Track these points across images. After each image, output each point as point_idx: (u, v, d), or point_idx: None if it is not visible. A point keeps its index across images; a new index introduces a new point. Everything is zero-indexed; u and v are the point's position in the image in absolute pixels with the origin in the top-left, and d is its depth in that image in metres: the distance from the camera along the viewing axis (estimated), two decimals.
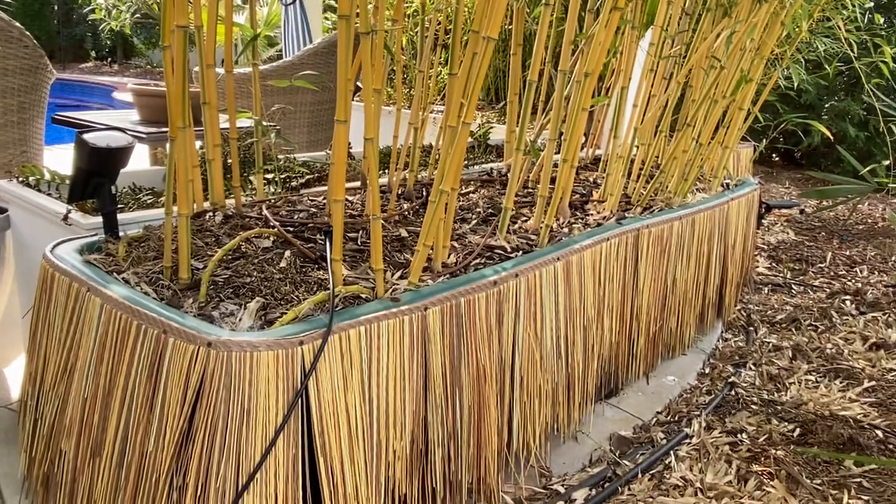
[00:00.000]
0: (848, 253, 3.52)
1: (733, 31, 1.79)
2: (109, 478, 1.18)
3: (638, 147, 2.16)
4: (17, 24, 2.54)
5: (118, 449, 1.17)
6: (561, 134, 1.81)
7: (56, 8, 11.63)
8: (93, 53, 12.19)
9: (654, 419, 1.96)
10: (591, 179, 2.43)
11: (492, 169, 2.42)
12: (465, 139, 1.28)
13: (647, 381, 2.15)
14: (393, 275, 1.43)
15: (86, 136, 1.38)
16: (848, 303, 2.77)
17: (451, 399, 1.41)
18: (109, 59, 12.15)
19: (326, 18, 5.24)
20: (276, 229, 1.50)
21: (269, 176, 1.95)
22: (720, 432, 1.85)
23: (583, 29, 1.76)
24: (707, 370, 2.27)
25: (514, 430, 1.58)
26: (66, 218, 1.58)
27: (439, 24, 2.00)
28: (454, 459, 1.44)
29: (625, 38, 2.01)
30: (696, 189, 2.45)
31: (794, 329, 2.57)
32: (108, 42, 11.97)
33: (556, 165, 1.92)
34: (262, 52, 5.17)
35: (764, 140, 2.93)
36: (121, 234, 1.48)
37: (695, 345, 2.42)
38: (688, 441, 1.82)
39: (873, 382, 2.11)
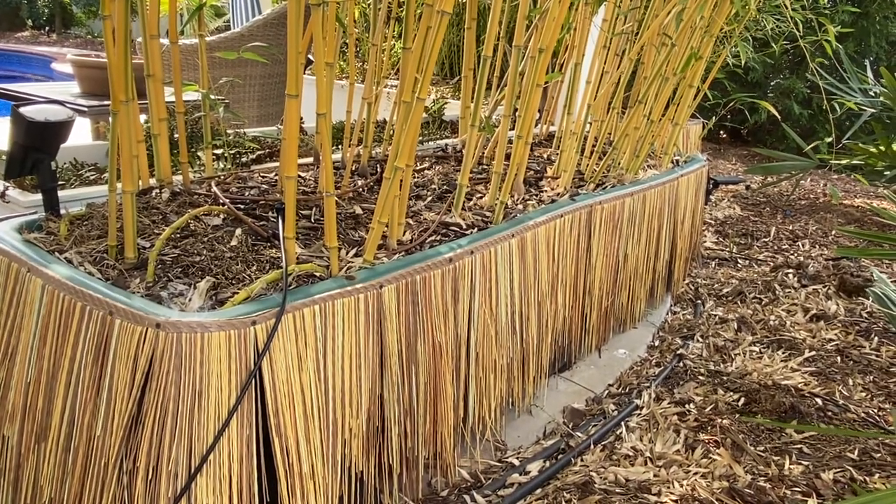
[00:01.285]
0: (791, 228, 3.63)
1: (684, 8, 1.81)
2: (56, 463, 1.15)
3: (591, 124, 2.18)
4: None
5: (64, 434, 1.14)
6: (515, 110, 1.80)
7: None
8: (29, 22, 11.63)
9: (606, 391, 2.00)
10: (545, 156, 2.44)
11: (446, 145, 2.40)
12: (419, 115, 1.26)
13: (600, 354, 2.20)
14: (347, 253, 1.41)
15: (22, 110, 1.31)
16: (791, 276, 2.87)
17: (408, 376, 1.41)
18: (47, 29, 11.62)
19: None
20: (226, 206, 1.46)
21: (219, 152, 1.90)
22: (669, 403, 1.91)
23: (537, 4, 1.76)
24: (657, 343, 2.33)
25: (469, 406, 1.60)
26: (2, 195, 1.51)
27: (389, 6, 1.97)
28: (411, 436, 1.45)
29: (578, 14, 2.01)
30: (647, 165, 2.49)
31: (739, 302, 2.64)
32: (46, 10, 11.44)
33: (510, 142, 1.92)
34: (208, 23, 5.01)
35: (714, 117, 2.99)
36: (62, 211, 1.43)
37: (645, 318, 2.47)
38: (638, 412, 1.86)
39: (814, 353, 2.20)
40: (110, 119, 1.22)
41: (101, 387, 1.09)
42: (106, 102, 2.53)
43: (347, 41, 1.84)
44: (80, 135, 2.53)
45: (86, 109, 2.50)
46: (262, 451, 1.14)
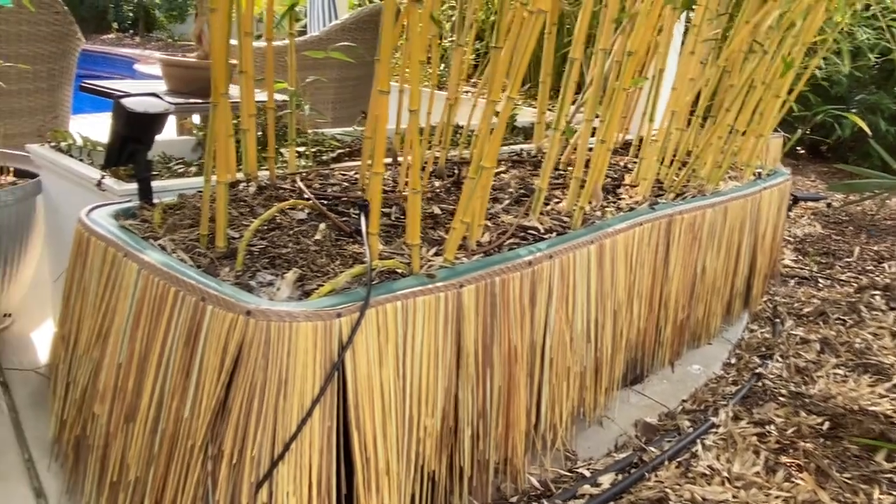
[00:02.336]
0: (876, 248, 3.46)
1: (785, 11, 1.75)
2: (143, 443, 1.18)
3: (672, 132, 2.13)
4: None
5: (153, 415, 1.17)
6: (597, 115, 1.78)
7: None
8: (115, 25, 12.18)
9: (680, 407, 1.94)
10: (621, 164, 2.39)
11: (521, 150, 2.39)
12: (507, 115, 1.25)
13: (673, 369, 2.14)
14: (427, 251, 1.41)
15: (124, 101, 1.37)
16: (877, 298, 2.73)
17: (483, 378, 1.40)
18: (131, 32, 12.14)
19: None
20: (310, 201, 1.48)
21: (301, 149, 1.93)
22: (747, 423, 1.83)
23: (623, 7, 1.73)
24: (733, 360, 2.25)
25: (542, 412, 1.57)
26: (99, 184, 1.57)
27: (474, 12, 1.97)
28: (483, 438, 1.43)
29: (664, 18, 1.97)
30: (728, 177, 2.42)
31: (821, 322, 2.53)
32: (130, 14, 11.96)
33: (590, 148, 1.89)
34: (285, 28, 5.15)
35: (799, 129, 2.88)
36: (155, 200, 1.48)
37: (720, 335, 2.39)
38: (714, 430, 1.80)
39: None
40: (195, 115, 1.26)
41: (190, 370, 1.12)
42: (191, 100, 2.63)
43: (431, 44, 1.84)
44: (168, 130, 2.63)
45: (173, 107, 2.59)
46: (340, 443, 1.15)
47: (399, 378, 1.23)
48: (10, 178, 1.98)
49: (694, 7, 1.97)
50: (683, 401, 1.98)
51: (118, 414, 1.24)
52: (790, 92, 2.54)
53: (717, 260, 2.21)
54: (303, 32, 5.57)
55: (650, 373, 2.08)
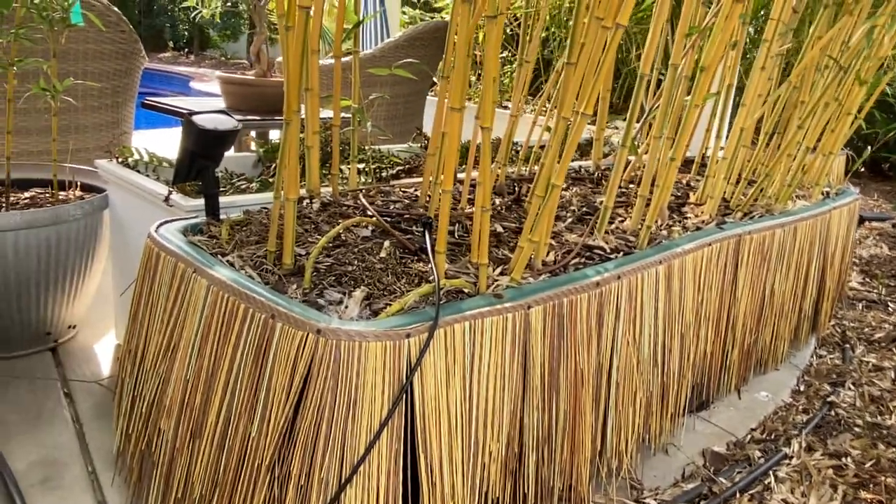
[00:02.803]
0: None
1: (873, 27, 1.68)
2: (209, 461, 1.17)
3: (741, 149, 2.06)
4: (115, 9, 2.60)
5: (219, 432, 1.16)
6: (663, 132, 1.73)
7: None
8: (171, 44, 12.57)
9: (749, 436, 1.86)
10: (684, 181, 2.33)
11: (580, 167, 2.35)
12: (580, 132, 1.22)
13: (739, 395, 2.05)
14: (493, 270, 1.38)
15: (195, 119, 1.38)
16: None
17: (549, 401, 1.36)
18: (186, 50, 12.51)
19: (404, 13, 5.25)
20: (374, 218, 1.47)
21: (361, 166, 1.93)
22: (822, 454, 1.75)
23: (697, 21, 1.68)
24: (802, 387, 2.15)
25: (607, 438, 1.52)
26: (167, 199, 1.59)
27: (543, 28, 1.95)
28: (547, 464, 1.39)
29: (738, 34, 1.91)
30: (796, 196, 2.33)
31: (894, 349, 2.41)
32: (186, 33, 12.33)
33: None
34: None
35: (868, 147, 2.77)
36: (222, 216, 1.48)
37: (788, 360, 2.30)
38: (787, 462, 1.72)
39: None
40: (260, 130, 1.26)
41: (258, 388, 1.11)
42: (249, 117, 2.67)
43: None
44: None
45: (241, 125, 2.63)
46: (407, 466, 1.12)
47: (466, 400, 1.20)
48: (78, 193, 2.02)
49: (761, 21, 1.91)
50: (752, 429, 1.90)
51: (184, 430, 1.23)
52: (860, 109, 2.45)
53: (785, 281, 2.13)
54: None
55: (716, 399, 2.00)
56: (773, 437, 1.85)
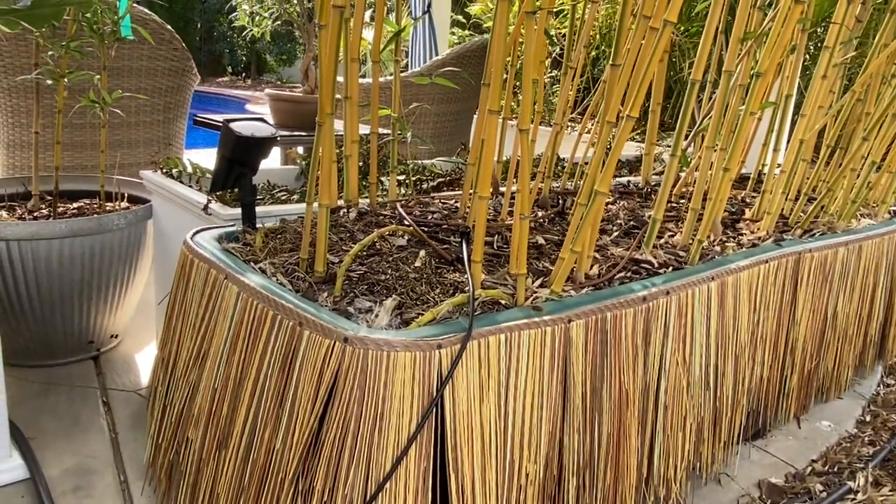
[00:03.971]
0: None
1: None
2: (234, 473, 1.14)
3: (799, 163, 1.95)
4: (169, 26, 2.66)
5: (245, 443, 1.12)
6: (717, 144, 1.65)
7: (199, 25, 12.47)
8: (229, 69, 12.96)
9: (810, 468, 1.73)
10: (739, 197, 2.23)
11: (629, 181, 2.27)
12: (625, 136, 1.16)
13: (799, 424, 1.92)
14: (533, 282, 1.32)
15: (232, 125, 1.37)
16: None
17: (591, 422, 1.28)
18: (244, 75, 12.88)
19: (453, 33, 5.26)
20: (411, 228, 1.43)
21: (401, 177, 1.90)
22: (891, 490, 1.61)
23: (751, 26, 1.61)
24: (868, 418, 2.01)
25: (654, 464, 1.43)
26: (206, 208, 1.59)
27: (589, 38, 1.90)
28: (588, 490, 1.31)
29: (797, 40, 1.82)
30: (861, 215, 2.20)
31: None
32: (244, 58, 12.69)
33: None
34: (387, 66, 5.26)
35: None
36: (258, 225, 1.47)
37: (852, 388, 2.15)
38: (852, 496, 1.59)
39: None
40: (307, 145, 1.24)
41: (284, 398, 1.07)
42: (296, 133, 2.68)
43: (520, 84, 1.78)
44: (273, 160, 2.68)
45: (279, 139, 2.65)
46: (437, 486, 1.06)
47: (501, 418, 1.13)
48: (124, 204, 2.05)
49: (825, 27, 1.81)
50: (813, 461, 1.77)
51: (211, 440, 1.20)
52: None
53: (849, 304, 2.00)
54: (406, 69, 5.68)
55: (773, 427, 1.88)
56: (836, 469, 1.72)
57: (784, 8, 1.39)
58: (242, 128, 1.37)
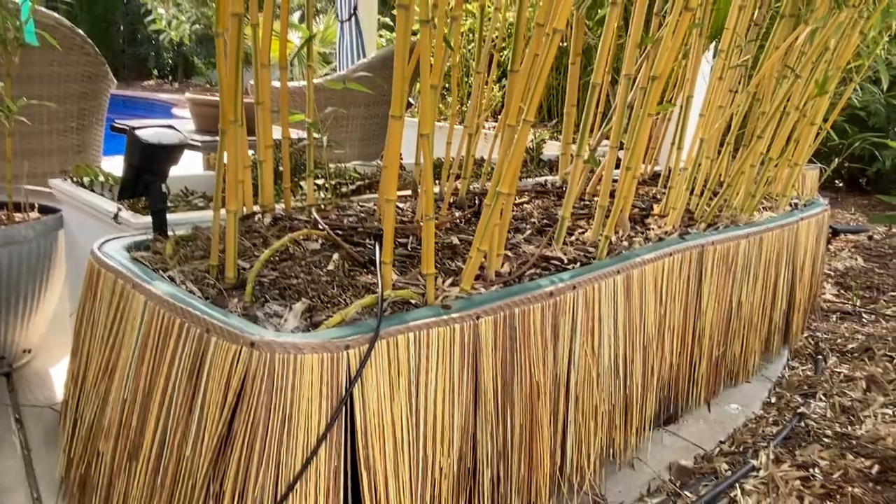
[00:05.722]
0: None
1: (816, 29, 1.68)
2: (146, 482, 1.13)
3: (702, 160, 2.06)
4: (80, 31, 2.59)
5: (156, 452, 1.12)
6: (622, 143, 1.72)
7: (122, 28, 12.08)
8: (155, 72, 12.60)
9: (717, 449, 1.83)
10: (650, 194, 2.33)
11: (546, 181, 2.34)
12: (524, 139, 1.21)
13: (709, 408, 2.03)
14: (444, 282, 1.36)
15: (138, 132, 1.36)
16: None
17: (503, 415, 1.32)
18: (170, 78, 12.54)
19: (381, 36, 5.28)
20: (324, 231, 1.45)
21: (320, 182, 1.91)
22: (790, 466, 1.72)
23: (648, 32, 1.68)
24: (773, 399, 2.13)
25: (567, 453, 1.49)
26: (116, 216, 1.56)
27: (494, 41, 1.95)
28: (503, 481, 1.35)
29: (691, 44, 1.92)
30: (763, 207, 2.33)
31: (866, 359, 2.40)
32: (170, 61, 12.36)
33: (614, 180, 1.83)
34: (317, 70, 5.24)
35: (835, 160, 2.79)
36: (169, 233, 1.46)
37: (759, 372, 2.28)
38: (754, 474, 1.69)
39: None
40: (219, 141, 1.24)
41: (193, 406, 1.07)
42: (217, 138, 2.65)
43: (448, 85, 1.82)
44: (193, 166, 2.64)
45: (199, 144, 2.62)
46: (348, 484, 1.08)
47: (412, 414, 1.17)
48: (34, 215, 1.99)
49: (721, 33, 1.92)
50: (721, 442, 1.86)
51: (122, 451, 1.19)
52: (825, 120, 2.46)
53: (753, 293, 2.11)
54: (333, 72, 5.65)
55: (685, 412, 1.97)
56: (742, 449, 1.82)
57: (675, 15, 1.47)
58: (149, 135, 1.36)
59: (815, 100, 2.09)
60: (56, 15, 2.47)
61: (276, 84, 1.74)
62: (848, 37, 2.05)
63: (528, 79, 1.19)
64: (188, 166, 2.13)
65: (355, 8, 4.71)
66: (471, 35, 4.22)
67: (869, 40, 2.17)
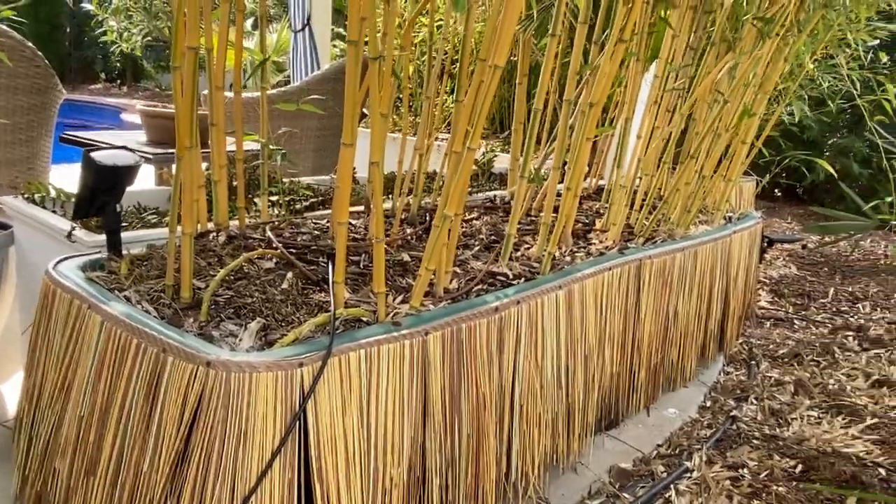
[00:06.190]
0: (850, 289, 3.51)
1: (737, 64, 1.81)
2: (103, 497, 1.17)
3: (641, 178, 2.17)
4: (30, 43, 2.57)
5: (113, 468, 1.16)
6: (565, 163, 1.82)
7: (68, 30, 11.79)
8: (102, 75, 12.32)
9: (655, 452, 1.93)
10: (594, 209, 2.43)
11: (495, 196, 2.42)
12: (469, 165, 1.29)
13: (648, 413, 2.13)
14: (395, 299, 1.42)
15: (93, 155, 1.38)
16: (850, 339, 2.75)
17: (451, 426, 1.39)
18: (119, 81, 12.28)
19: (335, 45, 5.31)
20: (278, 250, 1.50)
21: (274, 198, 1.96)
22: (721, 467, 1.83)
23: (588, 60, 1.78)
24: (709, 403, 2.25)
25: (512, 460, 1.57)
26: (70, 235, 1.58)
27: (446, 53, 2.03)
28: (452, 488, 1.42)
29: (630, 71, 2.03)
30: (699, 221, 2.46)
31: (796, 364, 2.55)
32: (118, 64, 12.10)
33: (559, 194, 1.92)
34: (270, 78, 5.23)
35: (768, 174, 2.95)
36: (124, 252, 1.49)
37: (696, 378, 2.40)
38: (688, 475, 1.79)
39: (876, 420, 2.09)
40: (174, 165, 1.28)
41: (150, 423, 1.11)
42: (170, 150, 2.66)
43: (402, 96, 1.89)
44: (145, 180, 2.64)
45: (151, 157, 2.62)
46: (303, 496, 1.14)
47: (363, 427, 1.23)
48: None
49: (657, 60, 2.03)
50: (658, 445, 1.97)
51: (79, 468, 1.22)
52: (758, 137, 2.61)
53: (689, 303, 2.24)
54: (287, 82, 5.66)
55: (625, 417, 2.08)
56: (678, 452, 1.93)
57: (611, 45, 1.57)
58: (104, 157, 1.39)
59: (745, 121, 2.22)
60: (4, 27, 2.45)
61: (230, 94, 1.77)
62: (774, 62, 2.19)
63: (473, 109, 1.26)
64: (141, 181, 2.14)
65: (309, 18, 4.74)
66: (423, 46, 4.29)
67: (794, 65, 2.32)
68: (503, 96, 4.68)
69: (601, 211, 2.40)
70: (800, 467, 1.83)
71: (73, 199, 1.88)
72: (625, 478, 1.78)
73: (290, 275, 1.43)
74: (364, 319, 1.31)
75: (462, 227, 2.00)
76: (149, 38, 2.81)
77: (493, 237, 1.93)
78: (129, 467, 1.13)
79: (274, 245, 1.53)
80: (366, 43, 1.12)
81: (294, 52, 4.85)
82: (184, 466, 1.07)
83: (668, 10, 1.92)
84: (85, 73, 12.10)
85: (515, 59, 3.07)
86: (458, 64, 1.33)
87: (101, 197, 1.43)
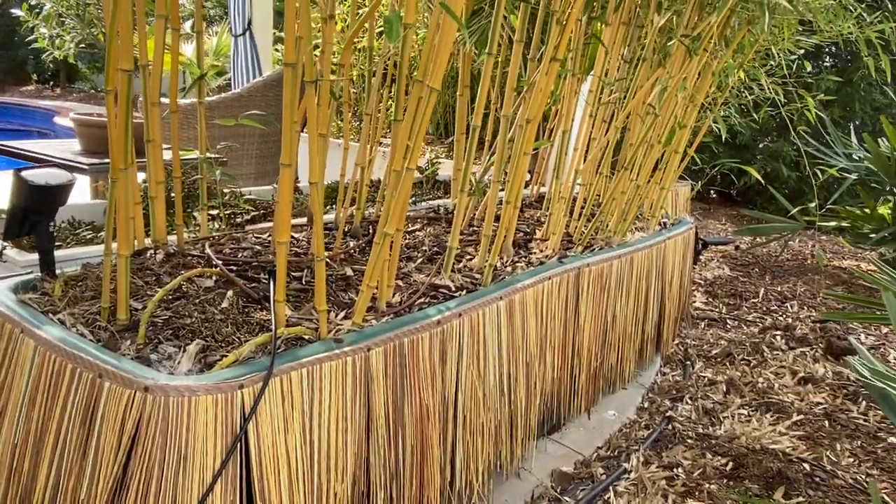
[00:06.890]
0: (779, 289, 3.67)
1: (664, 87, 1.89)
2: None
3: (579, 187, 2.23)
4: None
5: (49, 498, 1.14)
6: (505, 175, 1.86)
7: None
8: (34, 77, 11.87)
9: (595, 454, 1.99)
10: (535, 217, 2.49)
11: (438, 206, 2.45)
12: (409, 183, 1.31)
13: (589, 416, 2.20)
14: (337, 315, 1.44)
15: (24, 174, 1.35)
16: (778, 338, 2.89)
17: (394, 439, 1.41)
18: (52, 83, 11.85)
19: (276, 50, 5.26)
20: (218, 269, 1.49)
21: (214, 212, 1.94)
22: (657, 467, 1.90)
23: (526, 74, 1.83)
24: (646, 404, 2.33)
25: (456, 469, 1.60)
26: (0, 255, 1.54)
27: (389, 58, 2.05)
28: (396, 500, 1.44)
29: (566, 85, 2.09)
30: (635, 228, 2.54)
31: (728, 363, 2.66)
32: (51, 66, 11.67)
33: (500, 204, 1.97)
34: (210, 82, 5.14)
35: (700, 180, 3.07)
36: (58, 271, 1.45)
37: (635, 379, 2.48)
38: (626, 476, 1.86)
39: (801, 416, 2.20)
40: (109, 183, 1.26)
41: (87, 450, 1.10)
42: (106, 161, 2.58)
43: (343, 103, 1.90)
44: (79, 193, 2.57)
45: (86, 167, 2.56)
46: None
47: (306, 445, 1.24)
48: None
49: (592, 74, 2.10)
50: (598, 448, 2.03)
51: (13, 496, 1.19)
52: (690, 145, 2.71)
53: (626, 308, 2.31)
54: (228, 87, 5.57)
55: (567, 421, 2.13)
56: (616, 453, 2.00)
57: (546, 63, 1.62)
58: (35, 176, 1.36)
59: (676, 134, 2.31)
60: None
61: (166, 101, 1.75)
62: (703, 76, 2.28)
63: (412, 128, 1.29)
64: (75, 195, 2.09)
65: (249, 22, 4.68)
66: (365, 54, 4.29)
67: (722, 77, 2.42)
68: (448, 102, 4.72)
69: (542, 220, 2.46)
70: (730, 465, 1.91)
71: (2, 217, 1.82)
72: (566, 481, 1.84)
73: (230, 293, 1.43)
74: (306, 337, 1.32)
75: (405, 239, 2.03)
76: (83, 45, 2.74)
77: (435, 248, 1.96)
78: (66, 496, 1.11)
79: (213, 262, 1.52)
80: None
81: (235, 56, 4.78)
82: (123, 494, 1.06)
83: (602, 26, 1.99)
84: (15, 75, 11.63)
85: (458, 66, 3.12)
86: (395, 81, 1.36)
87: (32, 216, 1.39)
